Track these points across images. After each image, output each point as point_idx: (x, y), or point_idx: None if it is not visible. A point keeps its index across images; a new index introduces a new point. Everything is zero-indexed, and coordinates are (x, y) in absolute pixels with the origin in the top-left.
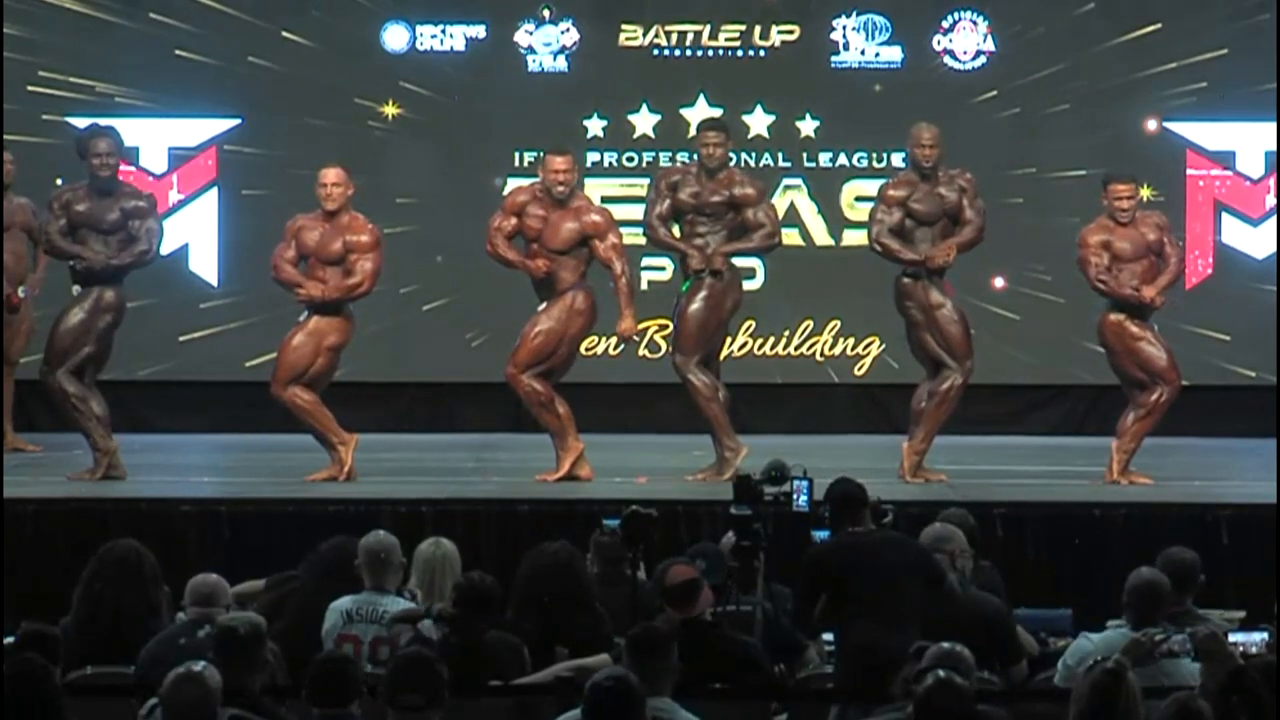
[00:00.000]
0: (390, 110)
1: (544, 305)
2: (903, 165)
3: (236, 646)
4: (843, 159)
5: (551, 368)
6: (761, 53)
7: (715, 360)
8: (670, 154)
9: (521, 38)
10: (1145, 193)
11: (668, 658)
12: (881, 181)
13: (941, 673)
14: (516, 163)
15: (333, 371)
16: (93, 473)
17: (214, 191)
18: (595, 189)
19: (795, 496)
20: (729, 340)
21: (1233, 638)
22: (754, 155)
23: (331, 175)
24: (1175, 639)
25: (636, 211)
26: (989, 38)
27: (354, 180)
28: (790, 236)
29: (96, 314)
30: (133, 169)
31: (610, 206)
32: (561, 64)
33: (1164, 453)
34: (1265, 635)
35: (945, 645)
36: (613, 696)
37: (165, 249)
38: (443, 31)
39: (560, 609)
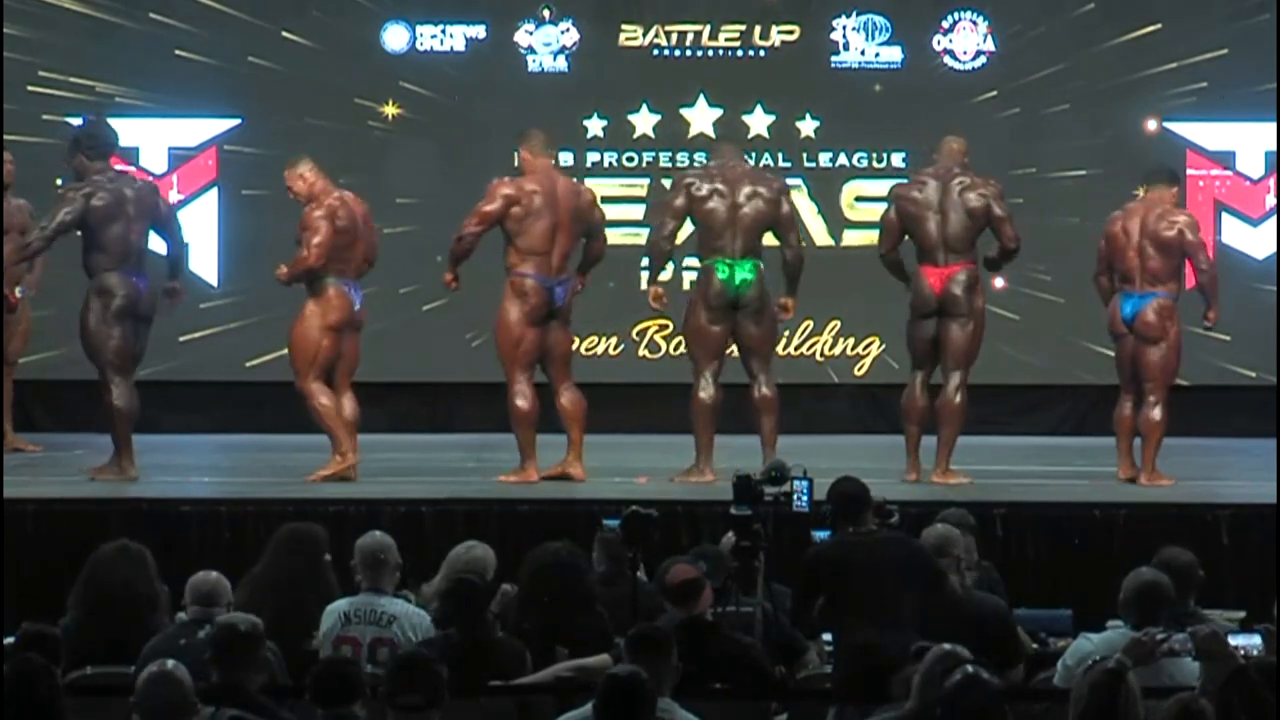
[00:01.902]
0: (390, 110)
1: None
2: (903, 165)
3: (236, 646)
4: (843, 159)
5: None
6: (761, 53)
7: (763, 365)
8: (670, 154)
9: (521, 38)
10: (1143, 192)
11: (668, 657)
12: (891, 181)
13: (970, 668)
14: (516, 163)
15: (348, 355)
16: (101, 471)
17: (214, 191)
18: (595, 189)
19: (795, 497)
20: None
21: (1231, 640)
22: (754, 155)
23: (286, 172)
24: (1177, 638)
25: (637, 211)
26: (989, 38)
27: (351, 180)
28: None
29: (96, 307)
30: (133, 168)
31: (610, 206)
32: (561, 64)
33: (1164, 453)
34: (1259, 639)
35: (946, 646)
36: (627, 689)
37: None
38: (443, 31)
39: (561, 609)
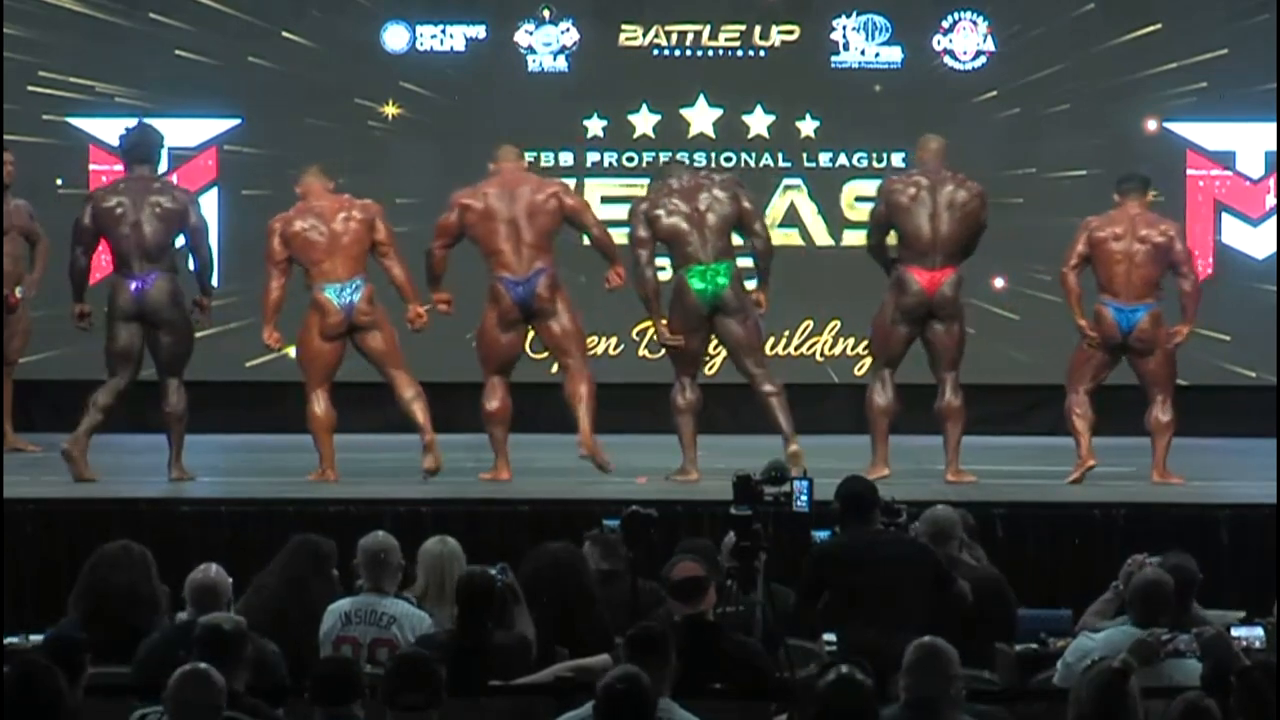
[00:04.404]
0: (390, 110)
1: None
2: (903, 165)
3: (221, 646)
4: (843, 159)
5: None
6: (761, 53)
7: (757, 362)
8: (670, 154)
9: (521, 38)
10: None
11: (666, 657)
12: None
13: (844, 668)
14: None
15: (375, 352)
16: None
17: (214, 191)
18: (595, 189)
19: (795, 497)
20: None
21: (1234, 632)
22: (754, 155)
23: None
24: (1181, 639)
25: None
26: (989, 38)
27: (351, 180)
28: (790, 236)
29: (107, 309)
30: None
31: (610, 206)
32: (561, 64)
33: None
34: (1261, 630)
35: (927, 640)
36: (624, 697)
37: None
38: (443, 31)
39: (561, 609)
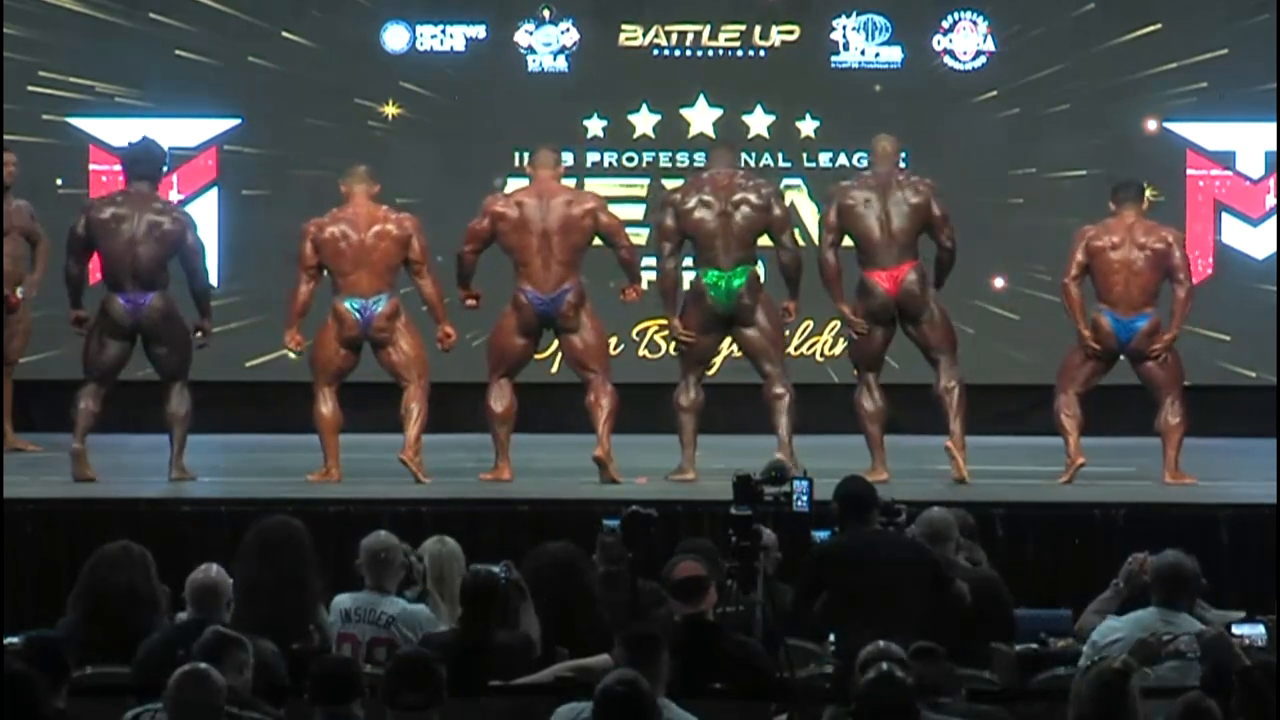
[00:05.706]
0: (390, 110)
1: None
2: (904, 165)
3: (218, 648)
4: (843, 159)
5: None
6: (761, 53)
7: (773, 364)
8: (670, 154)
9: (521, 38)
10: (1147, 192)
11: (662, 656)
12: None
13: (884, 665)
14: (516, 162)
15: (388, 364)
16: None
17: (214, 191)
18: (595, 189)
19: (795, 497)
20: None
21: (1235, 629)
22: (754, 155)
23: None
24: (1182, 639)
25: (637, 211)
26: (989, 38)
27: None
28: None
29: (96, 320)
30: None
31: (610, 206)
32: (561, 64)
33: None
34: (1262, 629)
35: (881, 644)
36: (624, 700)
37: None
38: (443, 31)
39: (561, 609)
